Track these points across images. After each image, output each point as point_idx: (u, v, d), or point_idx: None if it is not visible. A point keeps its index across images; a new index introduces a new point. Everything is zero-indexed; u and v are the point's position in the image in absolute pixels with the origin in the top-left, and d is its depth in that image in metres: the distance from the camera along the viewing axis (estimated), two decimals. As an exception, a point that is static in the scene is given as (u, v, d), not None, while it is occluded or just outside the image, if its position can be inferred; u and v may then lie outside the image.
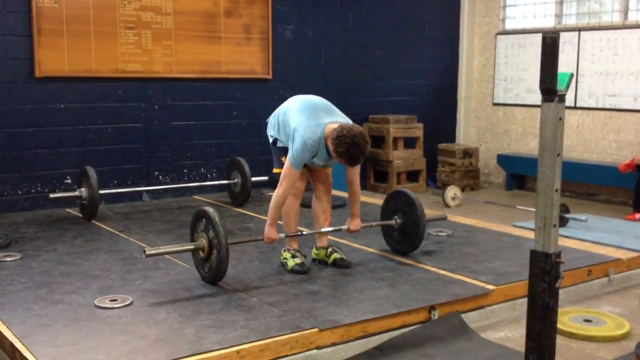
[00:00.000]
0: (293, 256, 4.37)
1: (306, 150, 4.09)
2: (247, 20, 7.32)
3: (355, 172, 4.37)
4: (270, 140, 4.52)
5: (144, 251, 3.98)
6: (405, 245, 4.73)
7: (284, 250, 4.45)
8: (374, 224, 4.84)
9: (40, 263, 4.55)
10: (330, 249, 4.52)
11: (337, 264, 4.46)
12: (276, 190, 4.18)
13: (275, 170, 4.46)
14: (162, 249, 4.18)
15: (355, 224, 4.48)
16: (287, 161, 4.18)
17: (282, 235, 4.32)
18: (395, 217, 4.71)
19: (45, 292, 3.93)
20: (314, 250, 4.60)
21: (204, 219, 4.06)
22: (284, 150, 4.30)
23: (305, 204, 5.03)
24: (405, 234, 4.70)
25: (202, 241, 4.04)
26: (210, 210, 4.04)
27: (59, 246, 5.01)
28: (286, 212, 4.38)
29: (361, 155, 4.00)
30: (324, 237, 4.56)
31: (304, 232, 4.52)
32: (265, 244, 4.35)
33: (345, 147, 3.95)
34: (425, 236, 5.29)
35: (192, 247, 4.12)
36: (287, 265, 4.36)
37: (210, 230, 3.99)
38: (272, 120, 4.52)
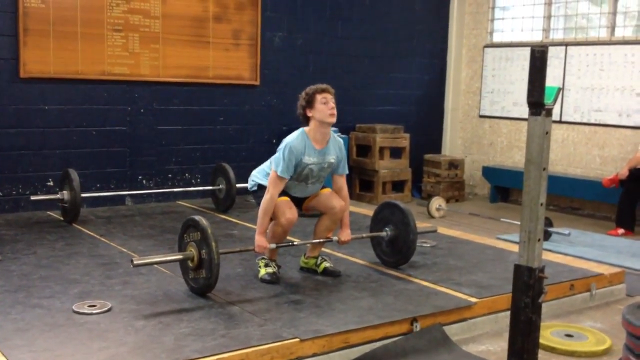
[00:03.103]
0: (266, 265, 4.31)
1: (291, 151, 4.09)
2: (236, 26, 7.30)
3: (343, 180, 4.39)
4: (254, 188, 4.42)
5: (132, 261, 3.89)
6: (395, 257, 4.69)
7: (259, 259, 4.40)
8: (364, 235, 4.81)
9: (19, 266, 4.49)
10: (320, 258, 4.49)
11: (327, 272, 4.42)
12: (263, 198, 4.15)
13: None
14: (150, 259, 4.10)
15: (346, 234, 4.42)
16: (273, 169, 4.15)
17: (273, 246, 4.27)
18: (387, 229, 4.67)
19: (23, 296, 3.87)
20: (302, 259, 4.56)
21: (198, 232, 3.92)
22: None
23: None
24: (395, 247, 4.66)
25: (192, 251, 3.94)
26: (205, 224, 3.89)
27: (39, 249, 4.94)
28: (278, 239, 4.29)
29: (326, 85, 4.17)
30: (318, 248, 4.52)
31: (295, 243, 4.48)
32: (257, 253, 4.28)
33: (311, 88, 4.14)
34: (409, 247, 5.31)
35: (181, 257, 4.02)
36: (258, 273, 4.32)
37: (204, 248, 3.86)
38: (264, 168, 4.44)
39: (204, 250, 3.87)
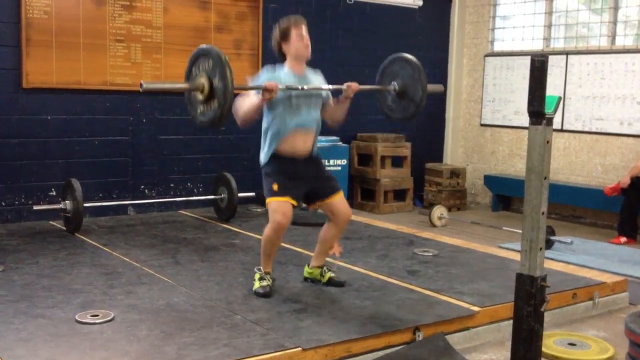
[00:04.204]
0: (261, 278, 4.22)
1: (268, 69, 4.10)
2: (237, 36, 7.32)
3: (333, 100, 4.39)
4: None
5: (141, 84, 3.67)
6: (402, 114, 4.60)
7: (257, 270, 4.30)
8: (372, 87, 4.60)
9: (22, 276, 4.49)
10: (325, 268, 4.45)
11: (332, 282, 4.39)
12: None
13: (268, 200, 4.14)
14: (158, 85, 4.02)
15: (354, 85, 4.35)
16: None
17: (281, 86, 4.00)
18: (394, 83, 4.56)
19: (25, 306, 3.87)
20: (306, 269, 4.51)
21: (210, 61, 3.71)
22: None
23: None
24: (402, 103, 4.56)
25: (202, 81, 3.72)
26: (218, 51, 3.70)
27: (41, 259, 4.94)
28: (267, 247, 4.18)
29: (299, 16, 4.17)
30: (321, 257, 4.45)
31: (305, 87, 4.14)
32: (264, 95, 3.96)
33: (284, 21, 4.12)
34: (410, 256, 5.31)
35: (191, 86, 3.78)
36: (253, 286, 4.25)
37: (217, 76, 3.63)
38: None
39: (216, 79, 3.67)
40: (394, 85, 4.57)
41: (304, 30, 4.15)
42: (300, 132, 4.17)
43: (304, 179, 4.17)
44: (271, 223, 4.05)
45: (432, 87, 4.62)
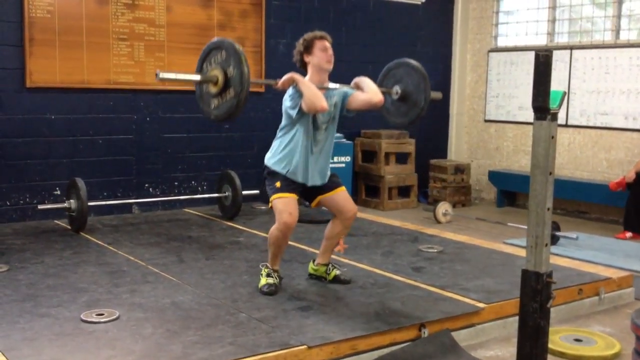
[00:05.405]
0: (267, 275, 4.21)
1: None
2: (240, 34, 7.31)
3: (357, 92, 4.34)
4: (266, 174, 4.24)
5: (157, 73, 3.63)
6: (399, 119, 4.62)
7: (263, 266, 4.29)
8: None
9: (27, 275, 4.50)
10: (330, 266, 4.43)
11: (338, 280, 4.38)
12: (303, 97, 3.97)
13: (272, 198, 4.12)
14: (173, 75, 4.04)
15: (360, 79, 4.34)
16: (294, 114, 4.06)
17: None
18: (397, 87, 4.54)
19: (31, 305, 3.88)
20: (311, 265, 4.50)
21: (222, 52, 3.68)
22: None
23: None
24: (401, 108, 4.56)
25: (216, 74, 3.69)
26: (230, 41, 3.69)
27: (46, 258, 4.95)
28: (274, 247, 4.16)
29: (324, 32, 4.17)
30: (327, 255, 4.44)
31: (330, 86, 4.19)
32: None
33: (309, 34, 4.12)
34: (415, 252, 5.30)
35: (205, 78, 3.73)
36: (259, 282, 4.25)
37: (231, 65, 3.61)
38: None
39: (231, 67, 3.65)
40: (397, 89, 4.57)
41: (328, 44, 4.17)
42: (315, 152, 4.19)
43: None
44: (277, 224, 4.04)
45: (433, 95, 4.65)
